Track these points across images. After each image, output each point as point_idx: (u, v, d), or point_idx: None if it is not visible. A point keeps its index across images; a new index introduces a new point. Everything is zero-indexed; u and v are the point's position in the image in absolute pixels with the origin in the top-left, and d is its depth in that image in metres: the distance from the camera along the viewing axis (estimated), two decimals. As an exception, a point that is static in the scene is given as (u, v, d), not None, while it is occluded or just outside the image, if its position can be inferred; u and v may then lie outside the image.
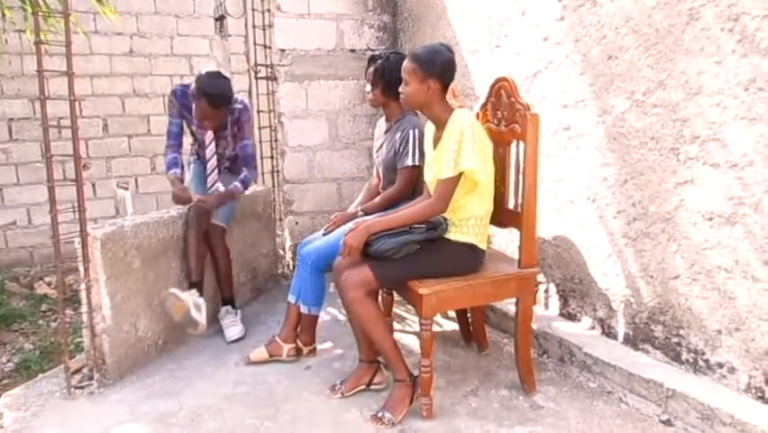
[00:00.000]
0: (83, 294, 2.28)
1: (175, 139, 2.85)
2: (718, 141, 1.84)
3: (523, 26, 2.61)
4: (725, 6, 1.77)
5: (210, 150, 2.86)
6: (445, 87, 2.07)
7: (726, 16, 1.77)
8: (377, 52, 2.68)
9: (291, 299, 2.51)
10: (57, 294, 3.47)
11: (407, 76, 2.05)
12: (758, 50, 1.70)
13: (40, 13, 2.17)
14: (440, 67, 2.03)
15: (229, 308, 2.86)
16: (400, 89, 2.09)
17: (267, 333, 2.83)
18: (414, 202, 2.23)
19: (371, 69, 2.54)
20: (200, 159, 2.98)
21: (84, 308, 2.29)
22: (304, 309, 2.46)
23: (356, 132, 3.80)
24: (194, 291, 2.57)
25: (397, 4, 3.77)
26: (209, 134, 2.84)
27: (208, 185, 2.87)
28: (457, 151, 1.96)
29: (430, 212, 2.03)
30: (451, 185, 1.99)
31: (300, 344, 2.51)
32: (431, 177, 2.11)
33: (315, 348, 2.54)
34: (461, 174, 1.98)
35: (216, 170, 2.90)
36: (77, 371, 2.34)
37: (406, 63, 2.06)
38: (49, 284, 4.37)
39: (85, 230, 2.22)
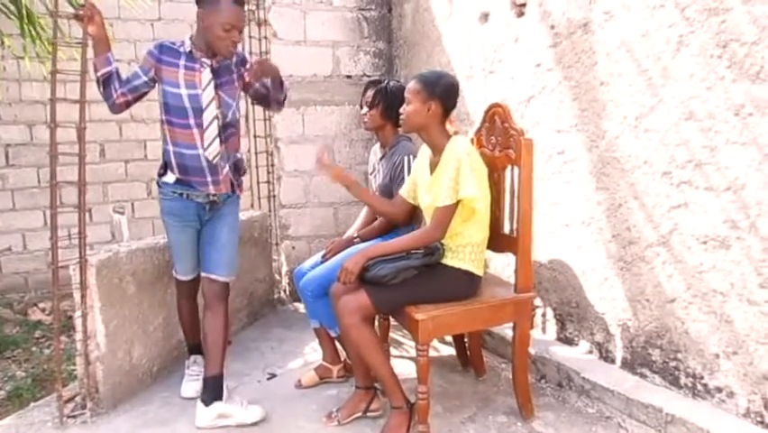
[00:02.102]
0: (77, 321, 2.26)
1: (126, 82, 2.19)
2: (711, 165, 1.86)
3: (516, 52, 2.65)
4: (713, 33, 1.81)
5: (208, 96, 2.16)
6: (446, 112, 2.09)
7: (715, 43, 1.80)
8: (375, 77, 2.71)
9: (315, 324, 2.51)
10: (51, 321, 3.43)
11: (411, 95, 2.07)
12: (747, 76, 1.73)
13: (54, 43, 2.20)
14: (442, 89, 2.05)
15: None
16: (401, 110, 2.11)
17: (261, 359, 2.81)
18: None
19: (372, 92, 2.55)
20: (183, 150, 2.18)
21: (78, 336, 2.27)
22: (332, 333, 2.47)
23: (352, 156, 3.82)
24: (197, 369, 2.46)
25: (393, 31, 3.82)
26: (206, 74, 2.17)
27: (210, 157, 2.19)
28: (455, 179, 1.97)
29: (427, 239, 2.03)
30: (449, 213, 2.00)
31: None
32: (427, 202, 2.11)
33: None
34: (458, 202, 1.99)
35: (217, 141, 2.20)
36: (70, 399, 2.31)
37: (410, 84, 2.08)
38: (43, 310, 4.32)
39: (84, 257, 2.21)
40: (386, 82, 2.57)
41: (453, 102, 2.10)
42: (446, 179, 1.99)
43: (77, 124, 2.19)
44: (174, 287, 2.63)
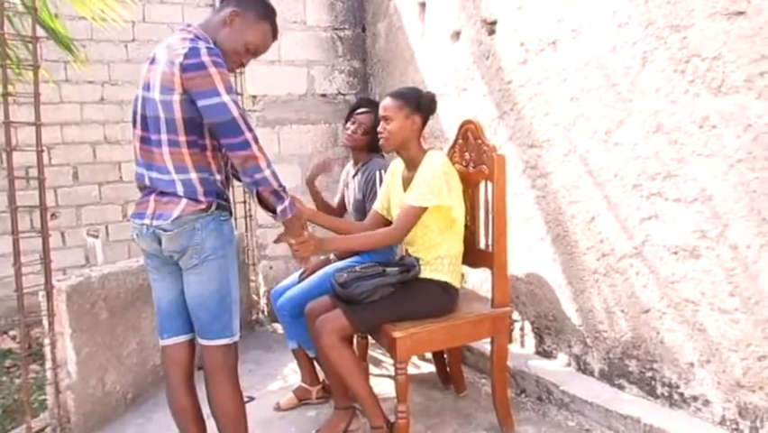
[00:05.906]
0: (46, 349, 2.20)
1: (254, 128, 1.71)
2: (678, 176, 1.90)
3: (488, 70, 2.69)
4: (676, 50, 1.85)
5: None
6: (424, 125, 2.11)
7: (678, 59, 1.85)
8: (363, 97, 2.67)
9: (293, 345, 2.47)
10: (20, 349, 3.33)
11: (391, 113, 2.05)
12: (710, 90, 1.78)
13: (9, 65, 2.17)
14: (427, 102, 2.09)
15: None
16: (380, 129, 2.09)
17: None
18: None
19: (373, 115, 2.44)
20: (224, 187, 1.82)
21: (48, 364, 2.21)
22: (310, 354, 2.42)
23: (329, 175, 3.81)
24: None
25: (367, 49, 3.85)
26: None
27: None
28: (430, 185, 1.98)
29: (387, 240, 2.08)
30: (417, 215, 1.99)
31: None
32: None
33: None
34: (425, 209, 1.98)
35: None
36: (40, 431, 2.24)
37: (388, 102, 2.07)
38: (13, 338, 4.21)
39: (50, 283, 2.16)
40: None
41: (434, 112, 2.13)
42: (422, 184, 2.00)
43: (35, 147, 2.15)
44: (148, 309, 2.57)
